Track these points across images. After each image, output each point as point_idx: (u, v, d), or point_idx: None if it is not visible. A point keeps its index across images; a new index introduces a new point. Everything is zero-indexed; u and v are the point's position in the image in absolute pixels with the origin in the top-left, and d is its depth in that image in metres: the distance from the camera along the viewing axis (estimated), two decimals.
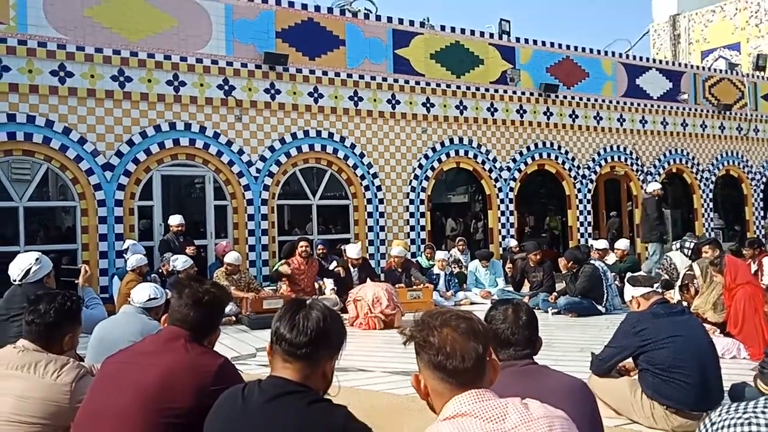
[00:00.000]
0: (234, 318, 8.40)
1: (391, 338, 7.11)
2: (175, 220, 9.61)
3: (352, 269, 9.78)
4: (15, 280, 4.33)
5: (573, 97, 14.50)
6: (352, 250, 9.86)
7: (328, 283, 9.66)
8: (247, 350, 6.63)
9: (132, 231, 9.94)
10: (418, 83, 12.53)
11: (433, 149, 12.75)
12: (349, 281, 9.66)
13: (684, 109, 16.21)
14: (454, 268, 11.31)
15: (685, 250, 8.87)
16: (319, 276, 9.68)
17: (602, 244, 11.15)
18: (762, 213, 17.62)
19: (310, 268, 9.53)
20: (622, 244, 10.60)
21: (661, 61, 16.53)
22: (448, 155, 12.97)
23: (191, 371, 2.29)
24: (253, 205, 10.90)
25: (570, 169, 14.48)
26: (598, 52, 15.04)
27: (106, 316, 4.40)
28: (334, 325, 1.93)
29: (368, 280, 9.95)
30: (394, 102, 12.30)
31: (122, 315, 4.11)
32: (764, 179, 17.67)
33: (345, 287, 9.61)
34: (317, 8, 11.56)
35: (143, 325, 3.87)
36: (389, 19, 12.29)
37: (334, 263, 10.02)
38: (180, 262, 8.45)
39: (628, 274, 4.32)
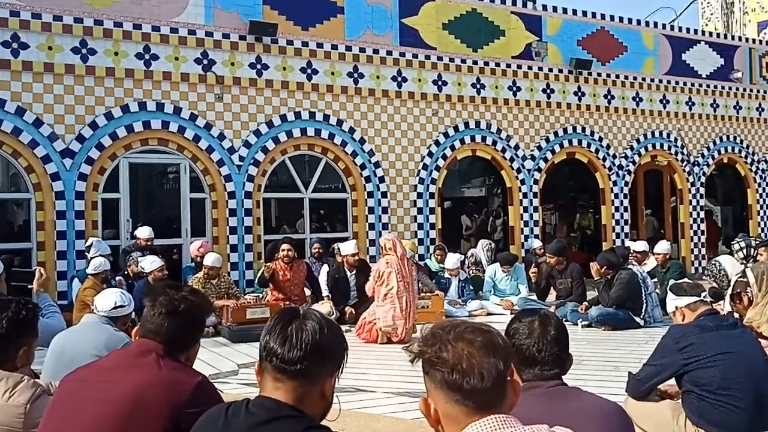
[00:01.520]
0: (212, 329, 8.40)
1: (396, 354, 7.11)
2: (144, 232, 9.57)
3: (348, 273, 9.78)
4: None
5: (608, 75, 14.47)
6: (348, 247, 9.85)
7: (323, 290, 9.66)
8: (227, 367, 6.64)
9: (95, 228, 9.95)
10: (428, 58, 12.51)
11: (446, 134, 12.74)
12: (345, 286, 9.66)
13: (737, 89, 16.17)
14: (472, 271, 11.28)
15: (737, 254, 8.84)
16: (307, 281, 9.67)
17: (641, 246, 11.12)
18: None
19: (297, 274, 9.51)
20: (663, 247, 10.56)
21: (711, 34, 16.48)
22: (462, 141, 12.95)
23: (164, 390, 2.29)
24: (235, 199, 10.91)
25: (604, 159, 14.46)
26: (638, 22, 15.01)
27: (64, 327, 4.41)
28: (333, 338, 1.93)
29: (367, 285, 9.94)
30: (400, 79, 12.29)
31: (84, 325, 4.11)
32: None
33: (342, 295, 9.61)
34: None
35: (108, 336, 3.87)
36: None
37: (326, 267, 10.02)
38: (147, 262, 8.47)
39: (671, 281, 4.31)
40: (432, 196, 12.61)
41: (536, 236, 13.41)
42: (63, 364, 3.58)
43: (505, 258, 10.92)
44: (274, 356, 1.87)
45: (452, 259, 10.59)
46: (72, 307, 8.38)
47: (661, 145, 15.29)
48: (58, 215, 9.69)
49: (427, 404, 1.63)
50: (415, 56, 12.41)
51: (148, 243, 9.55)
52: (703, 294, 4.20)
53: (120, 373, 2.36)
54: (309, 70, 11.51)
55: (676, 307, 4.17)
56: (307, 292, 9.75)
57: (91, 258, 8.82)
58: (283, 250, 9.40)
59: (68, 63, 9.79)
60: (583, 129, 14.23)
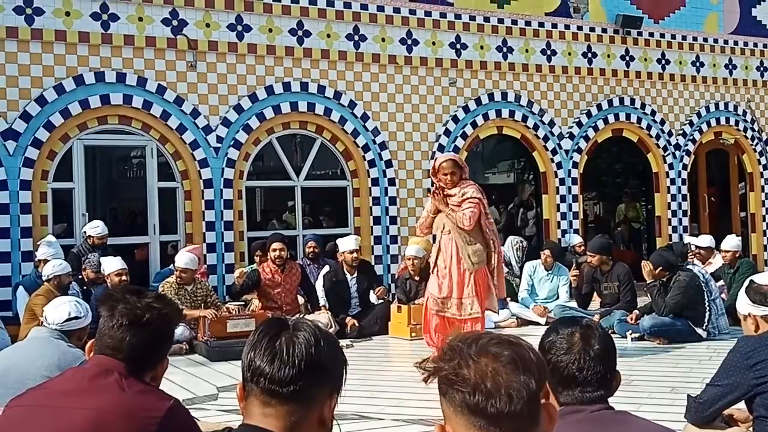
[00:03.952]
0: (186, 345, 8.43)
1: (406, 373, 7.12)
2: (96, 228, 9.55)
3: (348, 276, 9.79)
4: None
5: (662, 35, 14.40)
6: (346, 243, 9.88)
7: (320, 299, 9.69)
8: (205, 390, 6.66)
9: (44, 224, 9.97)
10: (443, 16, 12.48)
11: (465, 109, 12.71)
12: (344, 292, 9.66)
13: None
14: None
15: None
16: (301, 288, 9.68)
17: (706, 240, 11.07)
18: None
19: (289, 278, 9.52)
20: (732, 242, 10.55)
21: None
22: (485, 117, 12.92)
23: (128, 418, 2.31)
24: (212, 188, 10.92)
25: (658, 137, 14.41)
26: None
27: (9, 343, 4.44)
28: (331, 352, 1.94)
29: (375, 287, 9.96)
30: (410, 42, 12.26)
31: (32, 341, 4.14)
32: None
33: (341, 303, 9.61)
34: None
35: (61, 354, 3.91)
36: None
37: (327, 268, 10.04)
38: (105, 263, 8.51)
39: (748, 281, 4.27)
40: None
41: (576, 231, 13.39)
42: (8, 386, 3.61)
43: (556, 248, 10.91)
44: (261, 376, 1.88)
45: None
46: (17, 321, 8.42)
47: (727, 120, 15.21)
48: (0, 209, 9.71)
49: None
50: (428, 14, 12.37)
51: (102, 241, 9.54)
52: None
53: (77, 397, 2.37)
54: (300, 32, 11.49)
55: (749, 314, 4.13)
56: (301, 300, 9.78)
57: (38, 261, 8.84)
58: (275, 250, 9.43)
59: (10, 26, 9.78)
60: (632, 101, 14.17)
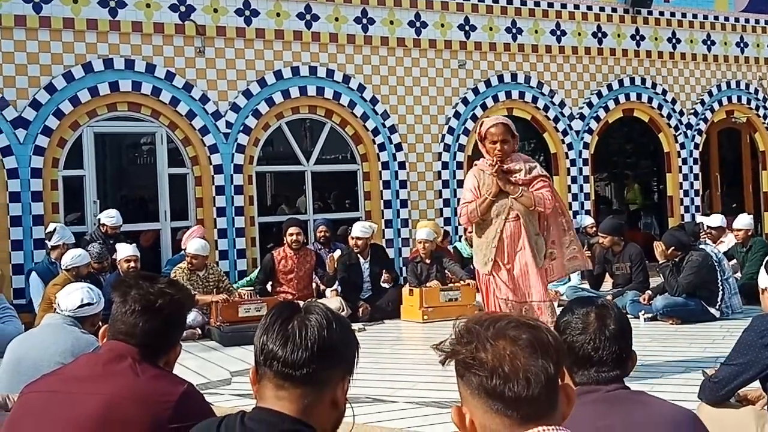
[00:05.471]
0: (199, 331, 8.47)
1: (420, 355, 7.13)
2: (112, 219, 9.55)
3: (362, 260, 9.81)
4: None
5: (673, 14, 14.31)
6: (354, 229, 9.91)
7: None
8: (218, 375, 6.69)
9: (56, 212, 10.01)
10: None
11: (475, 91, 12.67)
12: (356, 276, 9.66)
13: None
14: None
15: None
16: (317, 273, 9.71)
17: (716, 220, 11.02)
18: None
19: (303, 263, 9.55)
20: (744, 221, 10.52)
21: None
22: (495, 99, 12.87)
23: (142, 402, 2.32)
24: (222, 174, 10.93)
25: (669, 117, 14.34)
26: None
27: (22, 331, 4.46)
28: (343, 334, 1.94)
29: (383, 273, 9.97)
30: (418, 25, 12.21)
31: (46, 327, 4.16)
32: None
33: (354, 287, 9.63)
34: None
35: (75, 340, 3.92)
36: None
37: (338, 252, 10.05)
38: (119, 248, 8.56)
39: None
40: (460, 166, 12.57)
41: (587, 212, 13.36)
42: (22, 373, 3.64)
43: None
44: (274, 360, 1.88)
45: None
46: (30, 307, 8.46)
47: (739, 99, 15.13)
48: (11, 197, 9.74)
49: (461, 414, 1.63)
50: None
51: (115, 231, 9.56)
52: None
53: (90, 383, 2.38)
54: (308, 16, 11.45)
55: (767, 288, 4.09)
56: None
57: (53, 247, 8.86)
58: (291, 234, 9.47)
59: (18, 14, 9.78)
60: (643, 80, 14.10)
